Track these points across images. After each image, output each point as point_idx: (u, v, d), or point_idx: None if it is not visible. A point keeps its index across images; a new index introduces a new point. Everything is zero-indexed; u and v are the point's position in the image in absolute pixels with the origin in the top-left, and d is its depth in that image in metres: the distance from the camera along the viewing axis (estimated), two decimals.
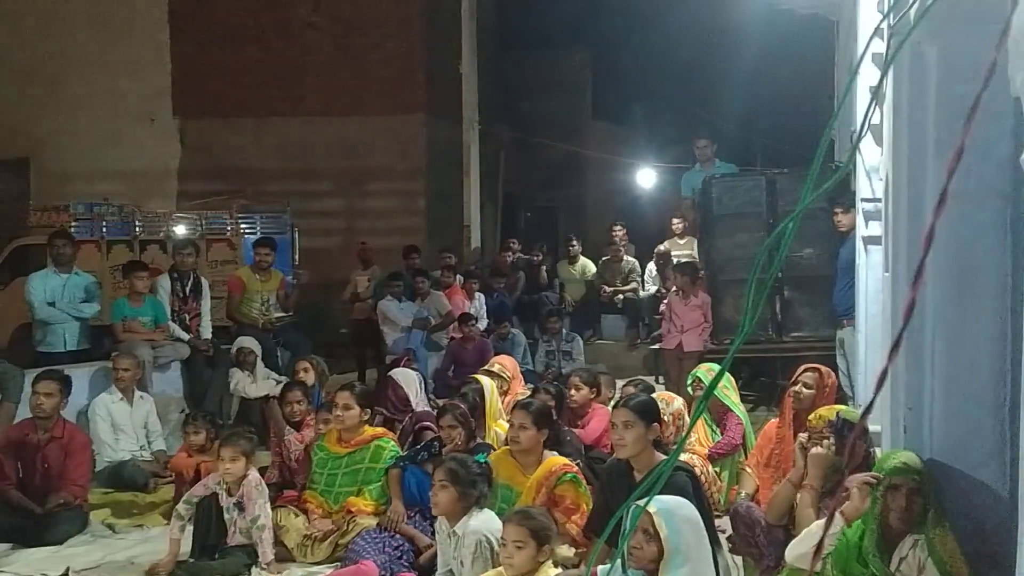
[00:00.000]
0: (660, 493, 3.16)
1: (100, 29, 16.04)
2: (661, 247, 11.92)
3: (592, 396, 6.58)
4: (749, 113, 21.32)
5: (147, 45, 16.01)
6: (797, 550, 3.64)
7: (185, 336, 8.43)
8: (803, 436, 4.49)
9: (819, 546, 3.22)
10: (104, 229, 12.07)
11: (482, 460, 4.67)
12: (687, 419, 6.15)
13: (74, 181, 15.42)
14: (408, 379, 6.90)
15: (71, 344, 7.94)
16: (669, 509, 3.43)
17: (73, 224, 11.69)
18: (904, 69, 3.77)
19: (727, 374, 6.23)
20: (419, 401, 6.81)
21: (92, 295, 8.17)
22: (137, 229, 12.10)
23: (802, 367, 5.24)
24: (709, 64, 20.44)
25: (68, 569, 5.13)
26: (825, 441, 4.22)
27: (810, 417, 4.51)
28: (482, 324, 10.80)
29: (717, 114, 20.39)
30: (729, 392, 6.17)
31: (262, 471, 5.65)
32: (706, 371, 6.38)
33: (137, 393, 7.33)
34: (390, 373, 7.17)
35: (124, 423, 7.18)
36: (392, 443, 5.62)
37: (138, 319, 8.12)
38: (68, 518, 5.79)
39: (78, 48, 16.06)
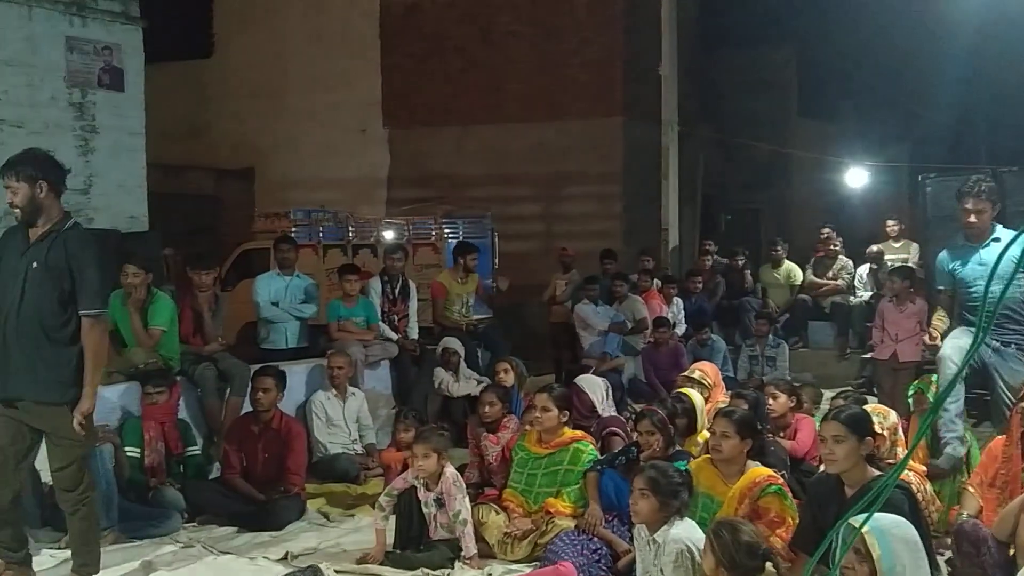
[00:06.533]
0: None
1: (318, 46, 17.10)
2: (874, 248, 11.38)
3: (791, 405, 6.36)
4: (969, 107, 19.88)
5: (360, 59, 16.92)
6: None
7: (394, 336, 8.75)
8: None
9: None
10: (321, 234, 12.86)
11: (682, 468, 4.60)
12: (901, 434, 5.82)
13: (294, 189, 16.52)
14: (592, 385, 6.88)
15: (291, 342, 8.40)
16: (883, 528, 3.25)
17: (293, 229, 12.50)
18: None
19: None
20: (605, 407, 6.78)
21: (311, 296, 8.65)
22: (350, 234, 12.77)
23: None
24: (924, 56, 19.19)
25: (288, 553, 5.43)
26: None
27: None
28: (679, 329, 10.64)
29: (934, 109, 19.17)
30: None
31: (460, 469, 5.80)
32: (929, 384, 6.00)
33: (349, 389, 7.71)
34: (575, 380, 7.16)
35: (337, 418, 7.56)
36: (591, 446, 5.64)
37: (351, 319, 8.52)
38: (288, 506, 6.16)
39: (299, 65, 17.20)
